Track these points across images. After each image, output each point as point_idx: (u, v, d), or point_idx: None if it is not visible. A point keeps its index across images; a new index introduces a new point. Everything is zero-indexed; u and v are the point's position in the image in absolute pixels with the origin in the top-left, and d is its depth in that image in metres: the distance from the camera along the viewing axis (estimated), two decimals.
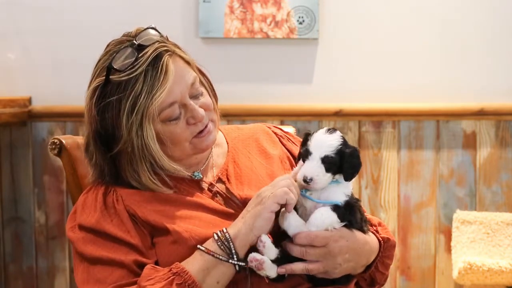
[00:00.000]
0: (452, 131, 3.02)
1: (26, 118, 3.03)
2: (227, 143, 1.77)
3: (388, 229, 1.73)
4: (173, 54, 1.59)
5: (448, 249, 3.02)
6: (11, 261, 3.10)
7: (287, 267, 1.52)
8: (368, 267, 1.64)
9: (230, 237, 1.50)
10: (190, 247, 1.53)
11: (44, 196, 3.07)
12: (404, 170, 3.03)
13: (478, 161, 3.03)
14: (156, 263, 1.55)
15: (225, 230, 1.51)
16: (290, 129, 1.98)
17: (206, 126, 1.63)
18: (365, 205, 2.97)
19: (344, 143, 1.54)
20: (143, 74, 1.54)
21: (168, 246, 1.55)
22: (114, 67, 1.55)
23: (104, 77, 1.56)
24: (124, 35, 1.63)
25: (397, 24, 3.03)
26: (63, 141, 1.84)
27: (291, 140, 1.84)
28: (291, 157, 1.79)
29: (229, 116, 2.93)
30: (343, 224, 1.54)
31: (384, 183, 3.04)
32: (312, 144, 1.53)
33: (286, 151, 1.80)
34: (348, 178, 1.54)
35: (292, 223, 1.52)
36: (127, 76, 1.55)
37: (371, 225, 1.67)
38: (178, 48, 1.63)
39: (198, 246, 1.52)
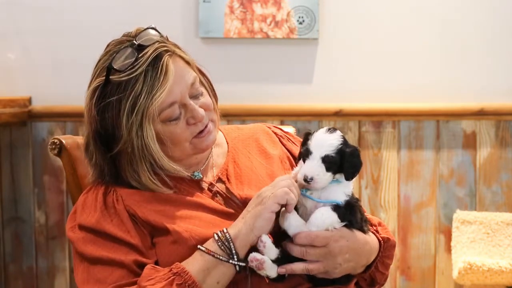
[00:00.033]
0: (452, 131, 3.02)
1: (26, 118, 3.03)
2: (227, 143, 1.77)
3: (388, 229, 1.73)
4: (173, 54, 1.59)
5: (448, 249, 3.02)
6: (11, 261, 3.10)
7: (287, 267, 1.52)
8: (368, 267, 1.64)
9: (230, 237, 1.50)
10: (190, 247, 1.53)
11: (44, 196, 3.07)
12: (404, 170, 3.03)
13: (478, 161, 3.03)
14: (156, 263, 1.55)
15: (225, 230, 1.51)
16: (290, 129, 1.98)
17: (206, 126, 1.63)
18: (365, 205, 2.97)
19: (345, 142, 1.54)
20: (143, 74, 1.54)
21: (168, 246, 1.55)
22: (114, 67, 1.55)
23: (104, 77, 1.56)
24: (124, 35, 1.63)
25: (397, 24, 3.03)
26: (63, 141, 1.84)
27: (291, 140, 1.84)
28: (291, 157, 1.79)
29: (229, 116, 2.93)
30: (343, 224, 1.54)
31: (384, 183, 3.04)
32: (313, 144, 1.53)
33: (286, 151, 1.80)
34: (349, 178, 1.54)
35: (293, 223, 1.52)
36: (127, 76, 1.55)
37: (371, 225, 1.67)
38: (178, 48, 1.63)
39: (199, 246, 1.52)
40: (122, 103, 1.55)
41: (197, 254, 1.51)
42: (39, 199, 3.07)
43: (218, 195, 1.66)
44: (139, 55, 1.55)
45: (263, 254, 1.50)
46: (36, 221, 3.08)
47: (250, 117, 2.98)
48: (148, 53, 1.55)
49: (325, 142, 1.52)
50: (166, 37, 1.65)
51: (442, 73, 3.03)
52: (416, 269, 3.05)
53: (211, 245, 1.51)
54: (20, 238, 3.10)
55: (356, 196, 1.61)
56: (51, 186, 3.07)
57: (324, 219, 1.52)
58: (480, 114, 3.00)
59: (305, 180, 1.51)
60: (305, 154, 1.53)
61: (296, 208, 1.53)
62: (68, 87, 3.02)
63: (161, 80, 1.55)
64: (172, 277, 1.48)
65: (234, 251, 1.50)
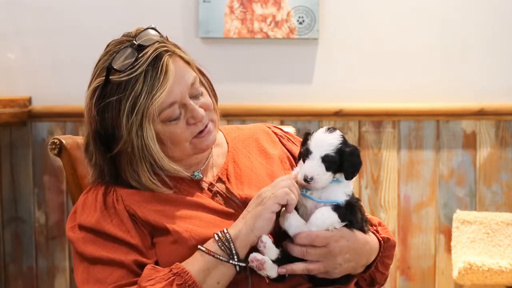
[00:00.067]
0: (452, 131, 3.02)
1: (26, 118, 3.03)
2: (227, 143, 1.77)
3: (388, 229, 1.73)
4: (173, 54, 1.59)
5: (448, 249, 3.02)
6: (11, 261, 3.10)
7: (287, 267, 1.52)
8: (368, 267, 1.64)
9: (230, 238, 1.50)
10: (190, 247, 1.53)
11: (44, 196, 3.07)
12: (404, 170, 3.03)
13: (478, 161, 3.03)
14: (156, 263, 1.55)
15: (225, 231, 1.51)
16: (290, 129, 1.98)
17: (206, 126, 1.63)
18: (365, 205, 2.96)
19: (344, 142, 1.54)
20: (143, 75, 1.54)
21: (168, 246, 1.55)
22: (114, 67, 1.55)
23: (104, 78, 1.56)
24: (124, 35, 1.63)
25: (397, 24, 3.03)
26: (63, 141, 1.84)
27: (291, 140, 1.84)
28: (291, 157, 1.79)
29: (229, 116, 2.93)
30: (343, 224, 1.54)
31: (384, 183, 3.04)
32: (312, 144, 1.53)
33: (286, 151, 1.80)
34: (348, 177, 1.54)
35: (293, 223, 1.52)
36: (127, 76, 1.55)
37: (371, 225, 1.67)
38: (178, 48, 1.63)
39: (199, 246, 1.52)
40: (122, 103, 1.55)
41: (197, 254, 1.51)
42: (39, 199, 3.07)
43: (218, 195, 1.66)
44: (139, 55, 1.55)
45: (263, 254, 1.50)
46: (36, 221, 3.08)
47: (250, 117, 2.98)
48: (148, 53, 1.55)
49: (325, 141, 1.52)
50: (166, 37, 1.65)
51: (442, 73, 3.03)
52: (416, 269, 3.05)
53: (211, 245, 1.51)
54: (20, 238, 3.10)
55: (356, 196, 1.61)
56: (51, 186, 3.07)
57: (325, 219, 1.52)
58: (480, 114, 3.00)
59: (305, 180, 1.51)
60: (304, 154, 1.53)
61: (296, 208, 1.53)
62: (68, 87, 3.02)
63: (161, 80, 1.54)
64: (172, 277, 1.48)
65: (234, 251, 1.50)
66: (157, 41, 1.59)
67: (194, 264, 1.50)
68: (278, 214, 1.53)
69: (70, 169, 1.84)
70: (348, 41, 3.03)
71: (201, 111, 1.61)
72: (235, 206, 1.64)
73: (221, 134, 1.79)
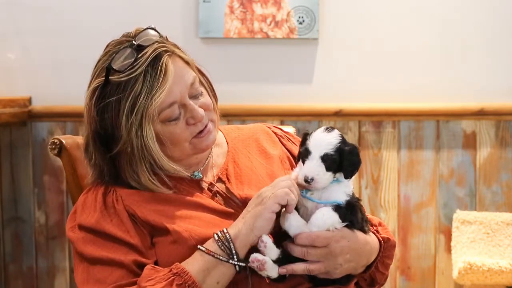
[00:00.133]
0: (452, 131, 3.02)
1: (26, 118, 3.03)
2: (227, 143, 1.77)
3: (388, 229, 1.73)
4: (173, 54, 1.59)
5: (448, 249, 3.02)
6: (11, 261, 3.10)
7: (288, 267, 1.52)
8: (368, 267, 1.64)
9: (230, 238, 1.50)
10: (190, 247, 1.53)
11: (44, 196, 3.07)
12: (404, 170, 3.03)
13: (478, 161, 3.02)
14: (156, 263, 1.55)
15: (225, 231, 1.51)
16: (290, 129, 1.98)
17: (206, 126, 1.63)
18: (365, 205, 2.96)
19: (343, 141, 1.54)
20: (142, 75, 1.54)
21: (168, 246, 1.55)
22: (114, 67, 1.55)
23: (103, 78, 1.56)
24: (123, 36, 1.63)
25: (397, 24, 3.03)
26: (63, 141, 1.84)
27: (291, 140, 1.83)
28: (291, 157, 1.79)
29: (229, 116, 2.93)
30: (344, 224, 1.54)
31: (384, 183, 3.04)
32: (311, 143, 1.53)
33: (286, 151, 1.80)
34: (348, 176, 1.54)
35: (293, 224, 1.52)
36: (127, 76, 1.55)
37: (372, 225, 1.67)
38: (178, 48, 1.63)
39: (199, 246, 1.52)
40: (121, 103, 1.55)
41: (197, 254, 1.51)
42: (39, 199, 3.07)
43: (218, 195, 1.66)
44: (139, 56, 1.55)
45: (264, 254, 1.50)
46: (36, 221, 3.08)
47: (250, 117, 2.98)
48: (148, 54, 1.55)
49: (324, 141, 1.52)
50: (166, 37, 1.65)
51: (442, 73, 3.03)
52: (416, 269, 3.05)
53: (211, 245, 1.51)
54: (20, 238, 3.10)
55: (356, 196, 1.61)
56: (51, 186, 3.07)
57: (325, 219, 1.52)
58: (480, 114, 2.99)
59: (306, 180, 1.51)
60: (304, 154, 1.53)
61: (296, 209, 1.53)
62: (68, 87, 3.02)
63: (161, 80, 1.54)
64: (172, 278, 1.48)
65: (234, 251, 1.50)
66: (157, 41, 1.59)
67: (193, 264, 1.50)
68: (278, 214, 1.53)
69: (70, 169, 1.84)
70: (348, 41, 3.03)
71: (201, 111, 1.61)
72: (235, 206, 1.64)
73: (221, 134, 1.79)
